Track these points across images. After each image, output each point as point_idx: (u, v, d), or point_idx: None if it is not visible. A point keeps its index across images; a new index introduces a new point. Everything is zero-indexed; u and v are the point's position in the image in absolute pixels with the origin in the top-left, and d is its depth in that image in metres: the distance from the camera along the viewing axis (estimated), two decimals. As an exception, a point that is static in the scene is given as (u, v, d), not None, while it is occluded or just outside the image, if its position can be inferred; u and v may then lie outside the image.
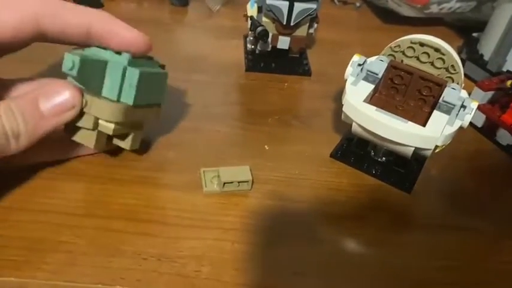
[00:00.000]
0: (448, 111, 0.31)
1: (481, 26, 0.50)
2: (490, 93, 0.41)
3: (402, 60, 0.34)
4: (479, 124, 0.41)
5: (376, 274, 0.28)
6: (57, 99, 0.25)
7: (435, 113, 0.31)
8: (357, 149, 0.36)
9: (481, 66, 0.48)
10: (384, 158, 0.35)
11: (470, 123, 0.41)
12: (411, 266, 0.28)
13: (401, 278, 0.28)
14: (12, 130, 0.24)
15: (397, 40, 0.33)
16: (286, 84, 0.44)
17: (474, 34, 0.52)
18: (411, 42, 0.33)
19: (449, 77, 0.33)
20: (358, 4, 0.63)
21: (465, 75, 0.49)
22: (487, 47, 0.48)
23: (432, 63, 0.33)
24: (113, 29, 0.28)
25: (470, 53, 0.50)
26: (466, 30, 0.55)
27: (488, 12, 0.49)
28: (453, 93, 0.31)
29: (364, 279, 0.27)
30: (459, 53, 0.51)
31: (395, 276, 0.28)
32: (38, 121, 0.25)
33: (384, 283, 0.27)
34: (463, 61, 0.50)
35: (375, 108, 0.30)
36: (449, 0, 0.54)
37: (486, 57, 0.48)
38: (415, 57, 0.33)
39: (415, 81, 0.33)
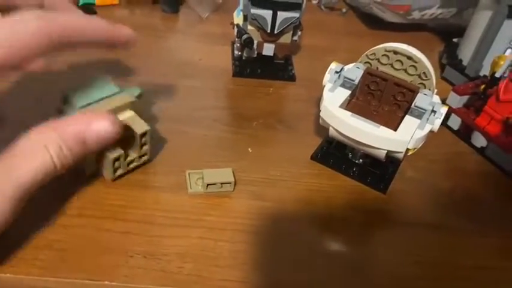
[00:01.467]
0: (419, 116, 0.32)
1: (463, 31, 0.51)
2: (465, 98, 0.43)
3: (378, 68, 0.35)
4: (456, 127, 0.43)
5: (355, 270, 0.29)
6: (100, 131, 0.27)
7: (407, 117, 0.32)
8: (336, 152, 0.37)
9: (460, 71, 0.49)
10: (361, 160, 0.37)
11: (447, 126, 0.43)
12: (389, 262, 0.30)
13: (380, 273, 0.29)
14: (61, 164, 0.26)
15: (373, 48, 0.35)
16: (271, 89, 0.46)
17: (454, 40, 0.54)
18: (385, 51, 0.34)
19: (422, 83, 0.34)
20: (344, 10, 0.64)
21: (445, 79, 0.51)
22: (466, 52, 0.50)
23: (405, 70, 0.34)
24: None
25: (450, 58, 0.51)
26: (448, 35, 0.57)
27: (469, 18, 0.51)
28: (425, 99, 0.33)
29: (344, 276, 0.29)
30: (440, 58, 0.53)
31: (374, 271, 0.29)
32: (83, 150, 0.27)
33: (364, 278, 0.29)
34: (443, 66, 0.52)
35: (350, 113, 0.32)
36: (430, 7, 0.56)
37: (465, 62, 0.50)
38: (390, 64, 0.35)
39: (389, 87, 0.35)
